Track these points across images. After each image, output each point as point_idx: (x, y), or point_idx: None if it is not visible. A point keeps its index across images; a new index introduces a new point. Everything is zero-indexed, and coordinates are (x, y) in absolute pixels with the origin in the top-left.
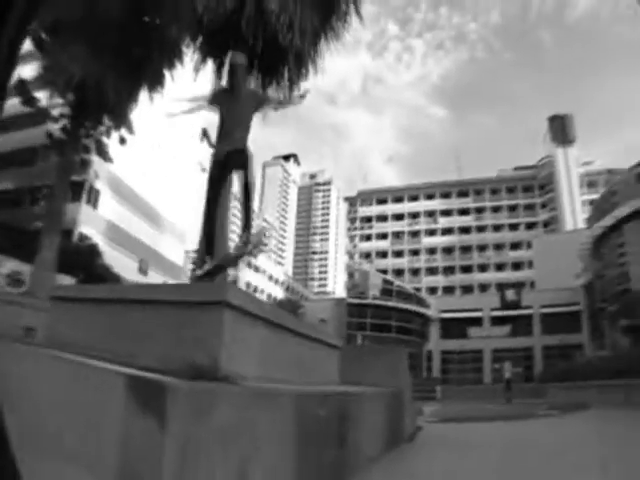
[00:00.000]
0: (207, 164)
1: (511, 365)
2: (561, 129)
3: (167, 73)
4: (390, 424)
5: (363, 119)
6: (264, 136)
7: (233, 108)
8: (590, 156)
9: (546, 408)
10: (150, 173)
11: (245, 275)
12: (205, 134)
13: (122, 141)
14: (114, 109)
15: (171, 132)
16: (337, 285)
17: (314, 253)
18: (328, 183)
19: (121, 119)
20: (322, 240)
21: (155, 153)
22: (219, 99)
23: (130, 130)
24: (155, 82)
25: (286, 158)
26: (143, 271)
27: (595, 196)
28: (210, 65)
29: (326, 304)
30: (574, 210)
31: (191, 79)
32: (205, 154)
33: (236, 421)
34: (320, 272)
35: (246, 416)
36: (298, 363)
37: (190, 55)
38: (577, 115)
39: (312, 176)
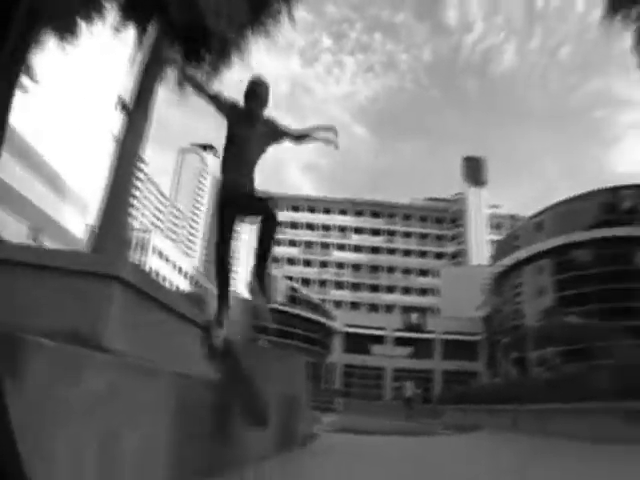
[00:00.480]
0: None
1: (413, 384)
2: (474, 170)
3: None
4: (283, 426)
5: (286, 124)
6: (184, 119)
7: (247, 136)
8: (498, 200)
9: (442, 427)
10: (57, 135)
11: (149, 260)
12: (122, 104)
13: (23, 88)
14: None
15: (84, 96)
16: (245, 287)
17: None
18: None
19: (21, 60)
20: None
21: (64, 114)
22: (230, 111)
23: (32, 78)
24: (66, 29)
25: (205, 147)
26: (35, 239)
27: (499, 237)
28: (132, 30)
29: (231, 303)
30: (480, 246)
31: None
32: (119, 124)
33: (104, 389)
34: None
35: (117, 386)
36: (189, 352)
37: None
38: (490, 160)
39: None
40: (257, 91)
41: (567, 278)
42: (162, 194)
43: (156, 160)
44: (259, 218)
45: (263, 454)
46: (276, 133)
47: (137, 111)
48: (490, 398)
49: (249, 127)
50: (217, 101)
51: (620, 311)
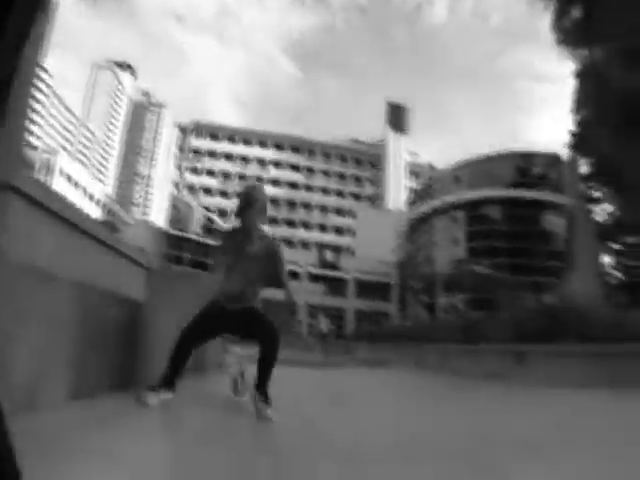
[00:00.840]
0: None
1: (328, 321)
2: (397, 117)
3: None
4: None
5: (211, 50)
6: (97, 31)
7: (247, 253)
8: (418, 148)
9: (352, 362)
10: None
11: (55, 184)
12: None
13: None
14: None
15: None
16: (161, 215)
17: (139, 176)
18: (163, 105)
19: None
20: (149, 165)
21: None
22: (232, 244)
23: None
24: None
25: (121, 66)
26: None
27: (416, 184)
28: None
29: (146, 232)
30: (397, 192)
31: None
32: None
33: None
34: (144, 199)
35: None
36: (94, 272)
37: None
38: (413, 109)
39: (146, 94)
40: (254, 204)
41: (478, 231)
42: (71, 112)
43: (64, 74)
44: (258, 339)
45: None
46: (271, 258)
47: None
48: (399, 337)
49: (248, 244)
50: (225, 255)
51: (524, 268)
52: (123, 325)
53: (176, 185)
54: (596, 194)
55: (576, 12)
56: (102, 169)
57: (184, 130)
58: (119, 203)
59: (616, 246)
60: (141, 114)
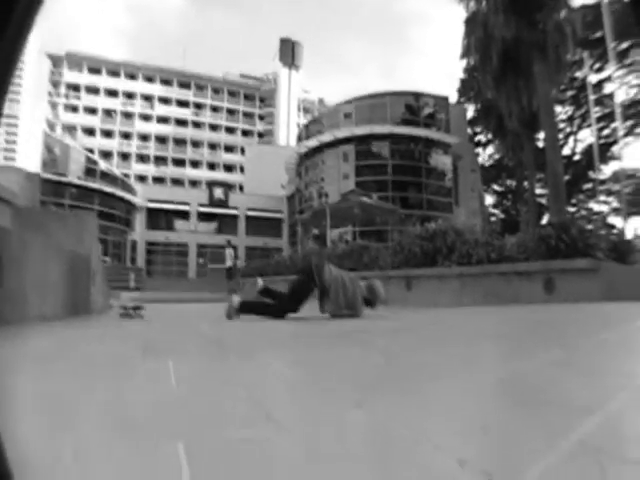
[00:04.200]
0: None
1: (233, 252)
2: (290, 53)
3: None
4: (73, 289)
5: None
6: None
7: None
8: (310, 86)
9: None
10: None
11: None
12: None
13: None
14: None
15: None
16: (32, 161)
17: None
18: None
19: None
20: (12, 101)
21: None
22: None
23: None
24: None
25: None
26: None
27: (306, 121)
28: None
29: (14, 177)
30: (288, 128)
31: None
32: None
33: None
34: (7, 141)
35: None
36: None
37: None
38: (306, 47)
39: None
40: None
41: (367, 165)
42: None
43: None
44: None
45: (47, 314)
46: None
47: None
48: (287, 269)
49: None
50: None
51: (411, 201)
52: None
53: (50, 125)
54: (481, 138)
55: None
56: None
57: (57, 61)
58: None
59: (497, 187)
60: None
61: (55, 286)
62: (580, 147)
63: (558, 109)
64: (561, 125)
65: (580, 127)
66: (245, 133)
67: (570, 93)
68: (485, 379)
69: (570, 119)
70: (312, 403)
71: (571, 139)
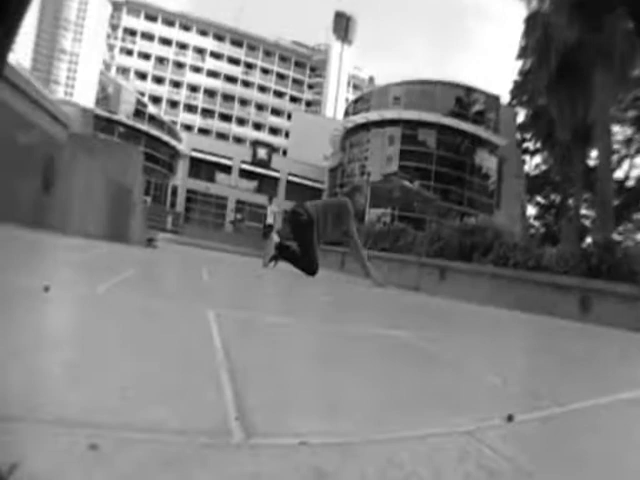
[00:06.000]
0: None
1: (278, 207)
2: (344, 27)
3: None
4: (114, 215)
5: None
6: None
7: None
8: (361, 63)
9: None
10: None
11: None
12: None
13: None
14: None
15: None
16: (87, 98)
17: (62, 52)
18: None
19: None
20: (75, 40)
21: None
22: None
23: None
24: None
25: None
26: None
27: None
28: None
29: (70, 110)
30: (336, 101)
31: None
32: None
33: None
34: (68, 77)
35: None
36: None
37: None
38: (361, 23)
39: None
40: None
41: (412, 151)
42: None
43: None
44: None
45: (92, 233)
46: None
47: None
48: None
49: None
50: None
51: (452, 194)
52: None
53: (106, 65)
54: (529, 145)
55: None
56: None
57: (117, 6)
58: (38, 79)
59: (540, 199)
60: None
61: (99, 207)
62: (635, 173)
63: (616, 129)
64: (617, 146)
65: (639, 151)
66: (293, 100)
67: (632, 114)
68: None
69: (628, 141)
70: None
71: (626, 163)
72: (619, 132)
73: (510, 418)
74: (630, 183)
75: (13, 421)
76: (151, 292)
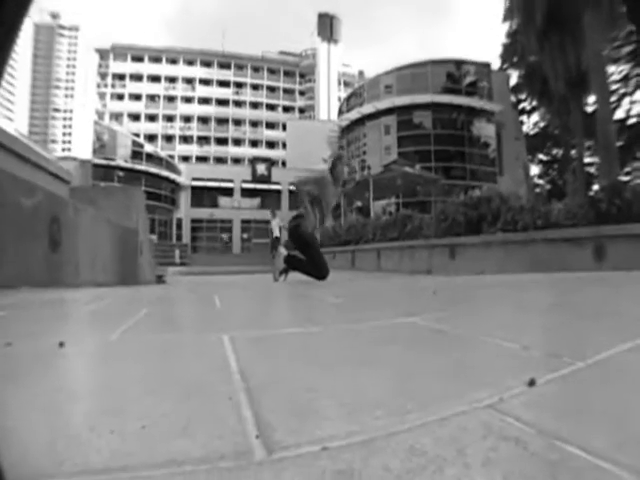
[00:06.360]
0: None
1: (278, 220)
2: (329, 27)
3: None
4: (122, 258)
5: None
6: None
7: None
8: (349, 60)
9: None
10: None
11: None
12: None
13: None
14: None
15: None
16: (85, 149)
17: (56, 111)
18: (75, 28)
19: None
20: (67, 96)
21: None
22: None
23: None
24: None
25: None
26: None
27: (346, 95)
28: None
29: (69, 165)
30: (329, 102)
31: None
32: None
33: None
34: (64, 134)
35: None
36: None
37: None
38: (344, 20)
39: (55, 15)
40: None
41: (410, 136)
42: None
43: None
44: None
45: (100, 280)
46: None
47: None
48: (332, 240)
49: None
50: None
51: (455, 170)
52: (42, 217)
53: (99, 114)
54: (525, 105)
55: None
56: (9, 104)
57: (104, 54)
58: (37, 142)
59: (543, 157)
60: (49, 40)
61: (106, 255)
62: (636, 110)
63: (612, 68)
64: (615, 86)
65: (638, 86)
66: (286, 109)
67: (627, 49)
68: None
69: (626, 78)
70: None
71: (626, 101)
72: (615, 72)
73: (532, 383)
74: (632, 121)
75: (45, 478)
76: (164, 328)
